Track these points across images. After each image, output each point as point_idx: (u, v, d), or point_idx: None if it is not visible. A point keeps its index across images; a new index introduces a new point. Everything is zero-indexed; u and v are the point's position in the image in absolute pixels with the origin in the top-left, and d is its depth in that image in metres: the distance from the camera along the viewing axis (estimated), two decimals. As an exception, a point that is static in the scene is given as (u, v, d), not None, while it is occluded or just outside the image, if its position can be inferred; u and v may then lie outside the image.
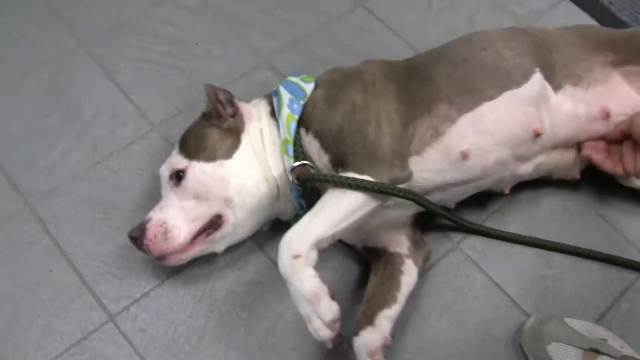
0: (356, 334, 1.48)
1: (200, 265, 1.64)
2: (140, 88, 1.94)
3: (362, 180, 1.41)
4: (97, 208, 1.73)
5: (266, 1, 2.15)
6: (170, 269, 1.63)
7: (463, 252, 1.70)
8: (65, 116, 1.87)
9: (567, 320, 1.55)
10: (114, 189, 1.76)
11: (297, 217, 1.62)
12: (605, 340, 1.50)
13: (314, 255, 1.36)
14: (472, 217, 1.74)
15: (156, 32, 2.06)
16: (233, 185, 1.55)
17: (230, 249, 1.64)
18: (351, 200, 1.41)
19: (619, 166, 1.62)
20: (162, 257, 1.55)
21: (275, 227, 1.69)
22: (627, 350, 1.48)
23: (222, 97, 1.62)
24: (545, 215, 1.77)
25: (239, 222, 1.57)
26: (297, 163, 1.53)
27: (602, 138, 1.65)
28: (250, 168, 1.57)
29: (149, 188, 1.75)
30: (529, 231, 1.73)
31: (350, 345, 1.47)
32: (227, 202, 1.55)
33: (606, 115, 1.64)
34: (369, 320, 1.50)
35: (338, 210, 1.41)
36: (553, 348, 1.50)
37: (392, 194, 1.43)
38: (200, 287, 1.63)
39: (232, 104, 1.62)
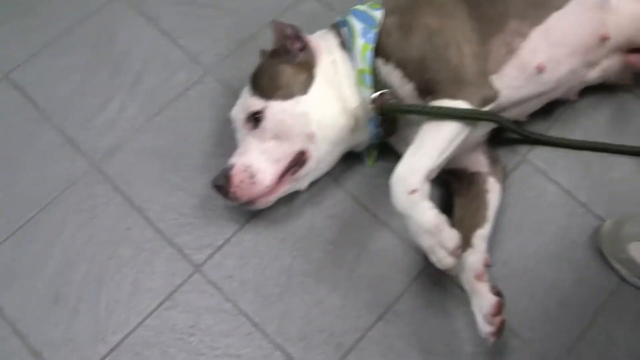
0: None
1: (277, 205, 1.61)
2: (186, 32, 1.88)
3: (454, 109, 1.39)
4: (163, 159, 1.69)
5: None
6: (248, 213, 1.61)
7: (531, 163, 1.69)
8: (115, 69, 1.81)
9: (644, 218, 1.56)
10: (177, 138, 1.72)
11: (369, 147, 1.64)
12: None
13: (427, 188, 1.36)
14: (535, 128, 1.71)
15: (194, -27, 1.99)
16: (314, 120, 1.52)
17: (306, 188, 1.62)
18: (449, 129, 1.40)
19: None
20: (249, 202, 1.53)
21: (346, 159, 1.65)
22: None
23: (289, 31, 1.57)
24: (605, 119, 1.75)
25: (322, 156, 1.55)
26: (378, 92, 1.50)
27: None
28: (328, 101, 1.54)
29: (214, 133, 1.71)
30: (592, 137, 1.71)
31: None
32: (310, 137, 1.52)
33: None
34: (466, 242, 1.50)
35: (439, 141, 1.40)
36: (634, 247, 1.50)
37: (485, 119, 1.43)
38: (281, 227, 1.61)
39: (300, 38, 1.57)
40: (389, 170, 1.38)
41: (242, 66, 1.62)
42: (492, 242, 1.58)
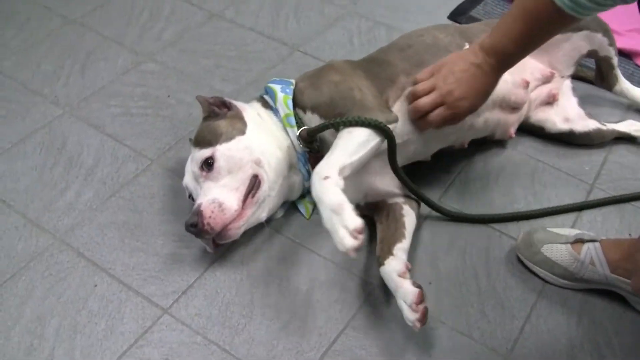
0: (381, 264, 1.54)
1: (231, 254, 1.65)
2: (130, 135, 1.95)
3: (359, 117, 1.51)
4: (122, 229, 1.69)
5: (218, 58, 2.26)
6: (206, 262, 1.63)
7: (447, 204, 1.79)
8: (69, 166, 1.84)
9: (549, 229, 1.68)
10: (132, 213, 1.73)
11: (306, 198, 1.73)
12: (583, 233, 1.64)
13: (340, 181, 1.42)
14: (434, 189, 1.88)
15: (130, 93, 2.09)
16: (256, 149, 1.61)
17: (255, 238, 1.68)
18: (359, 134, 1.51)
19: None
20: (222, 232, 1.55)
21: (287, 215, 1.75)
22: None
23: (212, 100, 1.71)
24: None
25: (271, 181, 1.62)
26: (302, 129, 1.62)
27: None
28: (264, 138, 1.65)
29: (165, 206, 1.75)
30: (493, 180, 1.89)
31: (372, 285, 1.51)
32: (258, 162, 1.60)
33: (526, 84, 1.84)
34: (387, 253, 1.57)
35: (351, 143, 1.50)
36: (546, 249, 1.62)
37: (385, 130, 1.52)
38: (238, 271, 1.62)
39: (224, 102, 1.71)
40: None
41: (183, 156, 1.69)
42: (425, 266, 1.66)
